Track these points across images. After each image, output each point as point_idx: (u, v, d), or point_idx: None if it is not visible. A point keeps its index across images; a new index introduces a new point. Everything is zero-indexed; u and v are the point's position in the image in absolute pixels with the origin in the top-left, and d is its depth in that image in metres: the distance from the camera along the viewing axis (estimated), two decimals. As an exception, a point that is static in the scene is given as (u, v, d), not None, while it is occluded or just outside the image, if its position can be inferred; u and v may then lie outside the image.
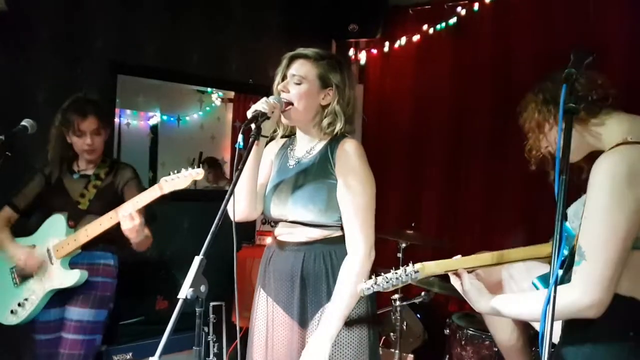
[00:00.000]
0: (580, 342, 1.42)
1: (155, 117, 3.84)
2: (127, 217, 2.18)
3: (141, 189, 2.43)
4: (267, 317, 1.92)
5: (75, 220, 2.43)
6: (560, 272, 1.43)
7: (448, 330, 2.95)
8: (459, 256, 1.63)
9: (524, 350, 2.08)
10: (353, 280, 1.73)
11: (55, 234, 2.42)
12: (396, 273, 1.58)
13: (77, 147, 2.47)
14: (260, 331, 1.93)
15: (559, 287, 1.38)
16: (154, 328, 2.81)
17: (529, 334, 2.08)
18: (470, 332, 2.78)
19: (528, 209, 3.51)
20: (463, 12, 3.83)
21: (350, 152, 1.81)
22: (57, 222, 2.43)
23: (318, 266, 1.82)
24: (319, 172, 1.83)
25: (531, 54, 3.52)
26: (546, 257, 1.58)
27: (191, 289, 1.23)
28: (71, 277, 2.36)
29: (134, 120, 3.73)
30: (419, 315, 3.47)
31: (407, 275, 1.57)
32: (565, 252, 1.45)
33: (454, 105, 3.95)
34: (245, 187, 1.83)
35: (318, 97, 1.84)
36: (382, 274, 1.59)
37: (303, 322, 1.85)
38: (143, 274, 3.29)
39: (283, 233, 1.91)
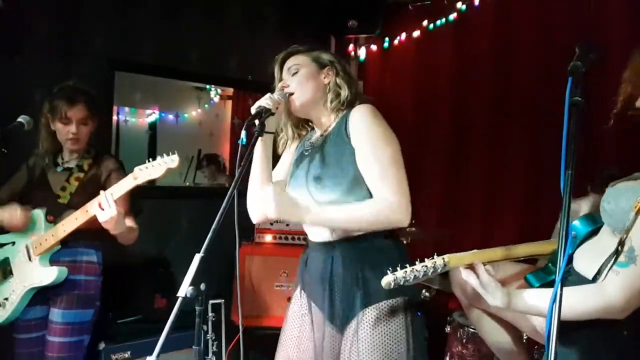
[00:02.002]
0: (574, 340, 1.39)
1: (154, 114, 3.81)
2: (99, 207, 2.12)
3: None
4: (302, 315, 1.86)
5: (55, 215, 2.33)
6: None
7: (449, 328, 2.93)
8: (475, 250, 1.54)
9: (523, 355, 2.02)
10: (363, 207, 1.65)
11: (34, 230, 2.34)
12: (425, 266, 1.47)
13: (61, 136, 2.37)
14: (292, 329, 1.88)
15: (590, 286, 1.35)
16: (152, 327, 2.79)
17: (521, 335, 2.01)
18: (472, 329, 2.76)
19: (530, 203, 3.49)
20: (463, 7, 3.80)
21: (361, 117, 1.73)
22: (36, 218, 2.34)
23: (346, 267, 1.73)
24: (337, 147, 1.74)
25: (532, 50, 3.49)
26: (551, 253, 1.55)
27: (191, 287, 1.21)
28: (50, 275, 2.26)
29: (132, 118, 3.71)
30: (419, 313, 3.45)
31: (434, 268, 1.46)
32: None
33: (454, 101, 3.93)
34: (260, 185, 1.79)
35: (319, 77, 1.84)
36: (407, 266, 1.48)
37: (335, 323, 1.77)
38: (141, 272, 3.28)
39: (310, 232, 1.84)
